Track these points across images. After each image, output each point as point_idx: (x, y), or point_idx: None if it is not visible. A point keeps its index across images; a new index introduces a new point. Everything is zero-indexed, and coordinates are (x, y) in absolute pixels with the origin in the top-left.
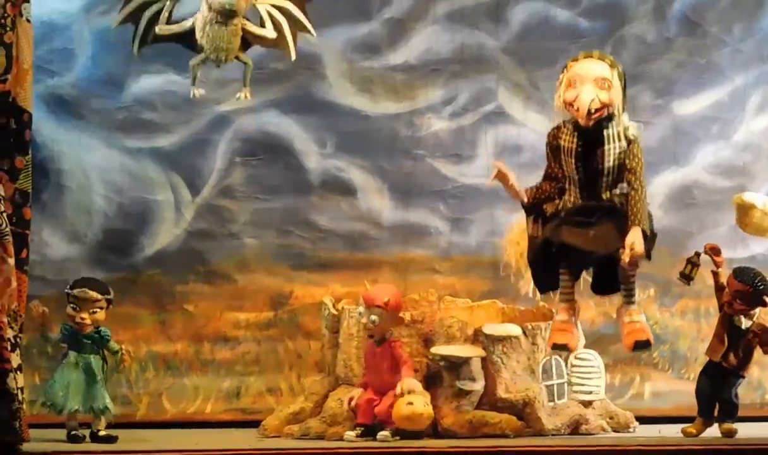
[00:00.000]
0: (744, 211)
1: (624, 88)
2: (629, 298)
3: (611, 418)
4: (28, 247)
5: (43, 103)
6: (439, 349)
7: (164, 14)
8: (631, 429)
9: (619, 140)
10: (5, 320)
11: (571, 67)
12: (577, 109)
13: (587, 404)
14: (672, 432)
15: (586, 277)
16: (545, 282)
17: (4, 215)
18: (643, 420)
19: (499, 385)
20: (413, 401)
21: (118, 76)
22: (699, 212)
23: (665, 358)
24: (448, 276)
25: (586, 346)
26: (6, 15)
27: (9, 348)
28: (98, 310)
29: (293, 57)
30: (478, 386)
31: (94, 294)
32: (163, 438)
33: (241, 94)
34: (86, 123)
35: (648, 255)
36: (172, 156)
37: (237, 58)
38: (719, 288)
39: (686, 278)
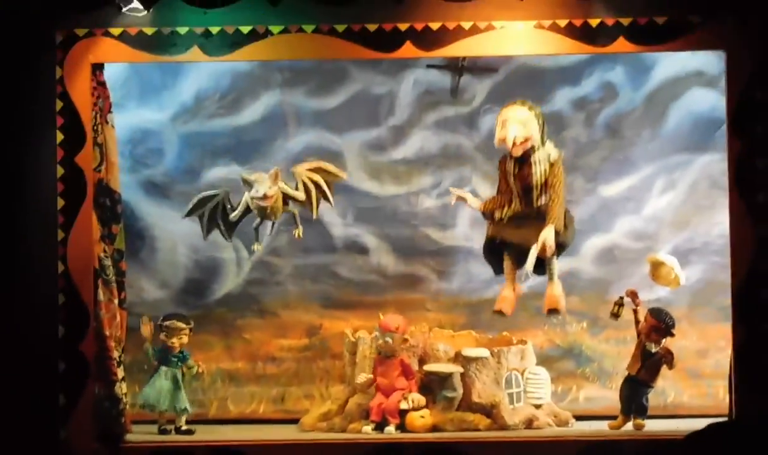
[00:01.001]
0: (656, 267)
1: (543, 125)
2: (550, 275)
3: (555, 416)
4: (125, 290)
5: (141, 188)
6: (430, 366)
7: (228, 205)
8: (569, 425)
9: (543, 163)
10: (113, 344)
11: (501, 113)
12: (505, 142)
13: (538, 406)
14: (600, 426)
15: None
16: (495, 266)
17: (111, 267)
18: (578, 417)
19: (473, 393)
20: (424, 415)
21: (196, 168)
22: (618, 266)
23: (594, 373)
24: (436, 313)
25: (537, 364)
26: (98, 123)
27: (116, 364)
28: (184, 336)
29: (315, 217)
30: (458, 393)
31: (181, 325)
32: (228, 431)
33: (296, 232)
34: (172, 202)
35: (564, 244)
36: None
37: (285, 211)
38: (637, 322)
39: (615, 316)
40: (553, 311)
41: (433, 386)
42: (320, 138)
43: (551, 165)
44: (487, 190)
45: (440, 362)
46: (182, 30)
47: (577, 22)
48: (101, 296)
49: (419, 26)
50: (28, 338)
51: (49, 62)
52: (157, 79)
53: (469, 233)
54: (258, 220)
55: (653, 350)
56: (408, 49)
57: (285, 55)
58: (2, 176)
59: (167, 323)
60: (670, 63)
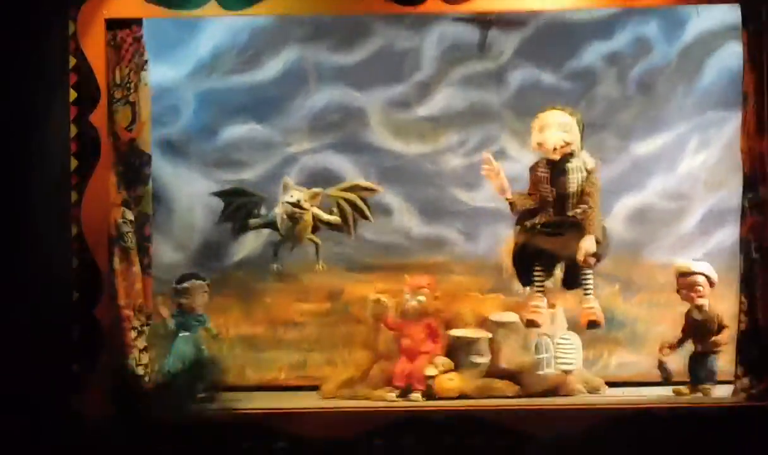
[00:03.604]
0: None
1: (582, 131)
2: (586, 290)
3: (586, 383)
4: (150, 256)
5: (158, 147)
6: (457, 331)
7: (255, 211)
8: (601, 391)
9: (580, 171)
10: (131, 313)
11: (539, 116)
12: (545, 147)
13: (568, 372)
14: (633, 392)
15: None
16: (525, 277)
17: (130, 234)
18: (610, 384)
19: (501, 359)
20: (453, 378)
21: (213, 126)
22: (651, 227)
23: (627, 337)
24: (463, 276)
25: (567, 329)
26: (131, 81)
27: (134, 334)
28: (205, 294)
29: (352, 236)
30: (486, 360)
31: (199, 282)
32: (249, 399)
33: (318, 266)
34: (189, 161)
35: (599, 257)
36: (254, 186)
37: (310, 239)
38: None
39: (667, 378)
40: (594, 324)
41: (459, 352)
42: (342, 95)
43: (588, 173)
44: (516, 148)
45: (467, 327)
46: None
47: None
48: (117, 263)
49: None
50: (40, 302)
51: (61, 17)
52: (173, 35)
53: (496, 193)
54: (279, 238)
55: (699, 317)
56: (433, 4)
57: (306, 9)
58: (15, 135)
59: (186, 284)
60: (707, 16)
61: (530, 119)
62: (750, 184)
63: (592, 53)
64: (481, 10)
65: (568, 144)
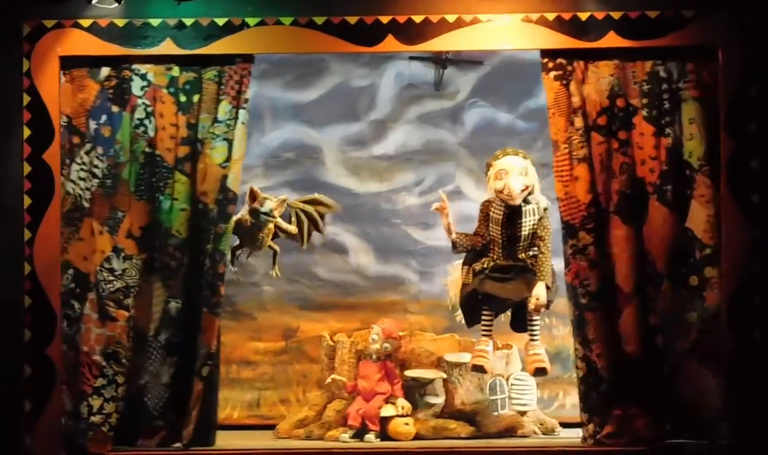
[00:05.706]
0: None
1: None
2: (533, 335)
3: (541, 424)
4: (220, 295)
5: None
6: (411, 372)
7: None
8: (556, 433)
9: (534, 214)
10: (100, 359)
11: (495, 163)
12: (508, 194)
13: (523, 413)
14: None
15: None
16: (471, 319)
17: (106, 283)
18: (565, 425)
19: (456, 399)
20: (408, 423)
21: None
22: None
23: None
24: (418, 315)
25: (522, 369)
26: (231, 119)
27: (103, 381)
28: None
29: (304, 247)
30: (441, 400)
31: None
32: None
33: (272, 271)
34: None
35: (548, 304)
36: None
37: (269, 246)
38: None
39: None
40: (541, 371)
41: (414, 392)
42: (298, 133)
43: (541, 217)
44: (472, 187)
45: (422, 367)
46: (155, 22)
47: (566, 16)
48: (88, 309)
49: (402, 19)
50: None
51: (16, 55)
52: None
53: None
54: (236, 244)
55: None
56: (390, 43)
57: (262, 48)
58: None
59: None
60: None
61: (486, 157)
62: (570, 231)
63: None
64: (438, 50)
65: (527, 187)
